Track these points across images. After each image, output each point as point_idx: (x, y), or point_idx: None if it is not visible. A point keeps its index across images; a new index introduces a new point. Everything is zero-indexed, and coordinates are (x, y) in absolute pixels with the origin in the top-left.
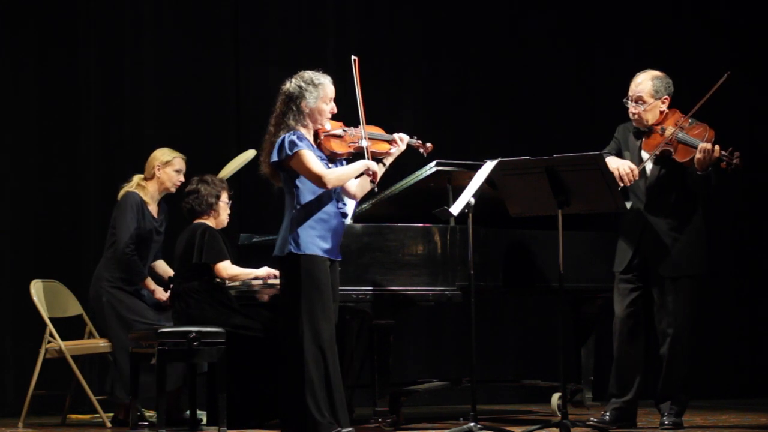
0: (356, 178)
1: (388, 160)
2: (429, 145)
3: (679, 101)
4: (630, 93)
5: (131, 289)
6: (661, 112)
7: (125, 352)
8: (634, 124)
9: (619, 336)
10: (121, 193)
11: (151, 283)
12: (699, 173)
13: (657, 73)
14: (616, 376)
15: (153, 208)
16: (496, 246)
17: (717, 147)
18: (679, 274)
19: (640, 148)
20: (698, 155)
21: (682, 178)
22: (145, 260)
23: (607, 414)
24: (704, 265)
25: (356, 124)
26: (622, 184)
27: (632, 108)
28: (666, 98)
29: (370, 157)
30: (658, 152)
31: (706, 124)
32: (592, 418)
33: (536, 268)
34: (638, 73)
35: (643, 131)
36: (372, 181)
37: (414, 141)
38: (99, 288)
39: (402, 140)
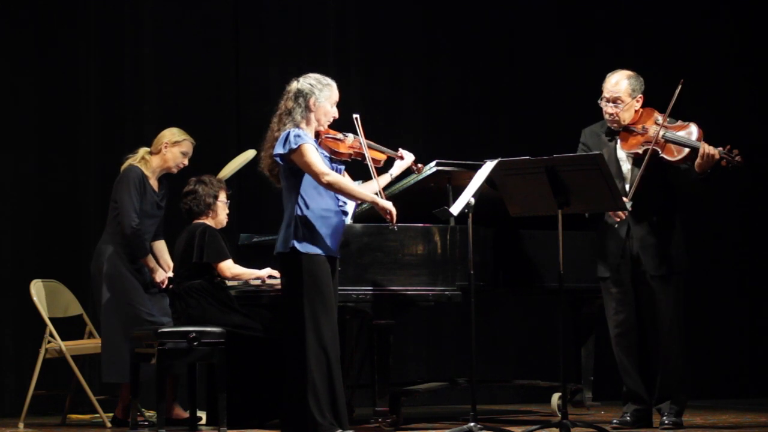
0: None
1: (396, 172)
2: (420, 165)
3: (680, 100)
4: (606, 94)
5: (133, 267)
6: (636, 111)
7: (113, 331)
8: (608, 124)
9: (618, 344)
10: (124, 165)
11: (151, 260)
12: (700, 175)
13: (630, 72)
14: (630, 381)
15: (153, 183)
16: (496, 246)
17: (716, 148)
18: (668, 273)
19: (615, 148)
20: (698, 160)
21: (662, 176)
22: (146, 234)
23: (627, 415)
24: (688, 262)
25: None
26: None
27: (609, 108)
28: (640, 97)
29: (372, 165)
30: (641, 151)
31: (695, 123)
32: (614, 420)
33: (536, 268)
34: (610, 74)
35: (616, 131)
36: (389, 221)
37: None
38: (100, 263)
39: (405, 156)
